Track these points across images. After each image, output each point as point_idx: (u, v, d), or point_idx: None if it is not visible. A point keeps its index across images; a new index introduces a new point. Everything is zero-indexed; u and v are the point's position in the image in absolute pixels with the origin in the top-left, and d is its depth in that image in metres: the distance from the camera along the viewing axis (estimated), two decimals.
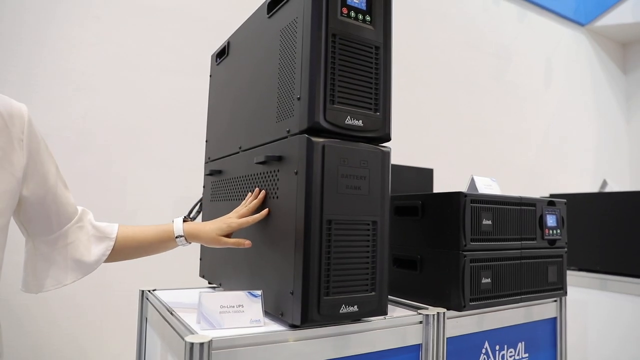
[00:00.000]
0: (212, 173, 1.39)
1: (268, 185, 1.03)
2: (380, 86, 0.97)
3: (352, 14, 0.95)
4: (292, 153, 0.92)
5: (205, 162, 1.50)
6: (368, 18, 0.97)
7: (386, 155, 0.98)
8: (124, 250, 1.05)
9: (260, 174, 1.07)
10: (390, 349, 1.00)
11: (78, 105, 2.00)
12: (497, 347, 1.25)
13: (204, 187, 1.49)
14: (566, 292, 1.40)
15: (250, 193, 1.09)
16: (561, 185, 3.95)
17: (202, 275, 1.46)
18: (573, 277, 2.11)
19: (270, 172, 1.02)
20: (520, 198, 1.28)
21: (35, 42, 1.93)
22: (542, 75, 4.10)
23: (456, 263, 1.12)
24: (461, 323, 1.16)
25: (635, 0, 4.37)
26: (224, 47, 1.40)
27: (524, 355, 1.32)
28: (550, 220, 1.35)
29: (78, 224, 1.00)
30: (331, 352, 0.91)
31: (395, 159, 1.16)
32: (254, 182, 1.10)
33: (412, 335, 1.05)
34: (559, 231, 1.37)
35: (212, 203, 1.40)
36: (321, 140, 0.89)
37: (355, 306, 0.92)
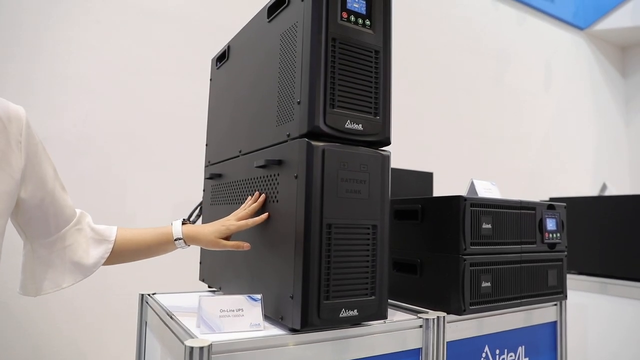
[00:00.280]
0: (212, 177, 1.40)
1: (268, 189, 1.03)
2: (380, 90, 0.98)
3: (352, 18, 0.95)
4: (292, 157, 0.92)
5: (205, 166, 1.50)
6: (368, 22, 0.97)
7: (386, 159, 0.98)
8: (122, 253, 1.04)
9: (260, 177, 1.07)
10: (390, 353, 1.00)
11: (78, 109, 2.00)
12: (497, 351, 1.25)
13: (203, 190, 1.49)
14: (566, 296, 1.40)
15: (250, 197, 1.09)
16: (561, 189, 3.95)
17: (202, 279, 1.46)
18: (573, 281, 2.11)
19: (270, 176, 1.02)
20: (520, 202, 1.28)
21: (35, 46, 1.93)
22: (541, 79, 4.11)
23: (456, 267, 1.12)
24: (461, 327, 1.15)
25: (634, 4, 4.38)
26: (224, 51, 1.41)
27: None
28: (550, 224, 1.35)
29: (76, 227, 1.00)
30: (331, 356, 0.91)
31: (395, 163, 1.16)
32: (254, 186, 1.10)
33: (412, 340, 1.04)
34: (558, 235, 1.37)
35: (212, 207, 1.40)
36: (321, 144, 0.89)
37: (355, 310, 0.92)
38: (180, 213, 1.51)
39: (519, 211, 1.27)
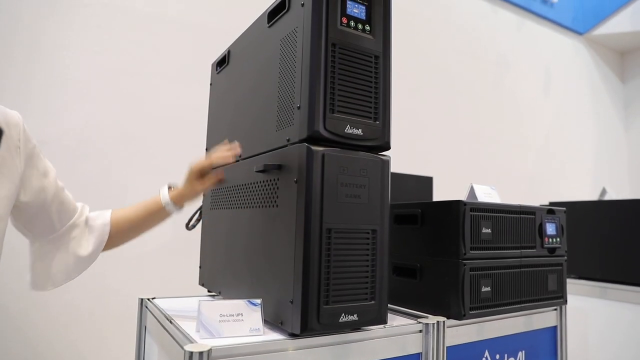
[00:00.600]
0: None
1: (268, 193, 1.03)
2: (379, 95, 0.98)
3: (352, 23, 0.95)
4: (292, 162, 0.92)
5: None
6: (368, 27, 0.97)
7: (386, 163, 0.98)
8: (119, 233, 1.09)
9: (260, 182, 1.07)
10: (390, 358, 1.00)
11: (78, 113, 2.00)
12: (498, 356, 1.24)
13: (203, 195, 1.49)
14: (566, 301, 1.40)
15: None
16: (560, 193, 3.96)
17: (202, 284, 1.46)
18: (573, 285, 2.10)
19: (270, 180, 1.02)
20: (520, 206, 1.28)
21: (35, 50, 1.93)
22: (541, 84, 4.12)
23: (456, 272, 1.12)
24: (461, 332, 1.15)
25: (633, 9, 4.40)
26: (225, 56, 1.41)
27: None
28: (550, 229, 1.35)
29: (79, 219, 1.04)
30: None
31: (395, 167, 1.16)
32: (253, 191, 1.10)
33: (412, 344, 1.04)
34: (558, 239, 1.37)
35: (211, 211, 1.40)
36: (321, 149, 0.89)
37: (355, 315, 0.92)
38: (180, 216, 1.51)
39: (518, 216, 1.27)
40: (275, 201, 0.99)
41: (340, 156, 0.91)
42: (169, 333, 1.00)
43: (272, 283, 0.97)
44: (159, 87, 2.18)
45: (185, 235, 1.48)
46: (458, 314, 1.11)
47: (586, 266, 2.15)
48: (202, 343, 0.81)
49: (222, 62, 1.44)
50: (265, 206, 1.03)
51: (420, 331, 1.06)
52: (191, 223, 1.44)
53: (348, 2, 0.95)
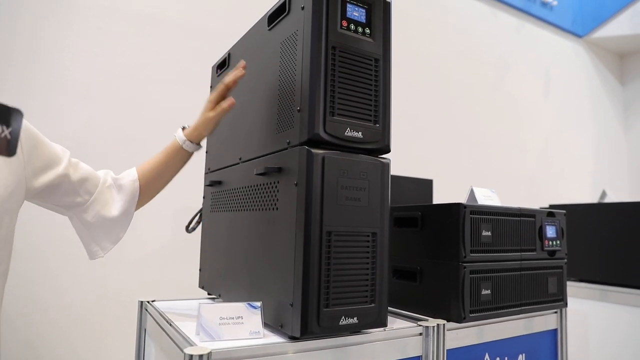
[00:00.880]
0: (212, 184, 1.40)
1: (268, 196, 1.03)
2: (379, 98, 0.98)
3: (352, 26, 0.96)
4: (292, 164, 0.93)
5: (205, 173, 1.51)
6: (368, 31, 0.98)
7: (386, 166, 0.98)
8: (149, 184, 1.13)
9: (260, 185, 1.07)
10: None
11: (78, 115, 2.00)
12: (498, 359, 1.24)
13: (203, 197, 1.50)
14: (566, 304, 1.40)
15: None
16: (560, 196, 3.96)
17: (202, 286, 1.46)
18: (573, 288, 2.10)
19: (270, 183, 1.02)
20: (520, 209, 1.28)
21: (35, 52, 1.94)
22: (540, 86, 4.13)
23: (456, 274, 1.12)
24: (461, 335, 1.15)
25: (632, 12, 4.41)
26: (225, 59, 1.41)
27: None
28: (550, 231, 1.35)
29: (106, 185, 1.08)
30: None
31: (395, 170, 1.16)
32: (253, 193, 1.11)
33: (412, 347, 1.04)
34: (558, 242, 1.37)
35: (212, 214, 1.40)
36: (321, 151, 0.90)
37: (355, 318, 0.91)
38: (180, 219, 1.51)
39: (518, 218, 1.27)
40: (275, 204, 0.99)
41: (340, 159, 0.91)
42: (169, 336, 0.99)
43: (272, 286, 0.97)
44: (159, 89, 2.19)
45: (185, 237, 1.48)
46: (458, 317, 1.11)
47: (586, 269, 2.15)
48: (202, 346, 0.81)
49: (222, 65, 1.44)
50: (265, 209, 1.03)
51: (421, 334, 1.06)
52: (191, 225, 1.44)
53: (348, 5, 0.95)
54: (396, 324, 1.08)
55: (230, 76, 1.10)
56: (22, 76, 1.91)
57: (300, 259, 0.87)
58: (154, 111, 2.16)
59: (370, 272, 0.94)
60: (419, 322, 1.08)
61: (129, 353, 1.40)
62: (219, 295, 1.31)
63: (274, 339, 0.92)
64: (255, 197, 1.09)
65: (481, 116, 3.57)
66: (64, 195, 1.00)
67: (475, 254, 1.15)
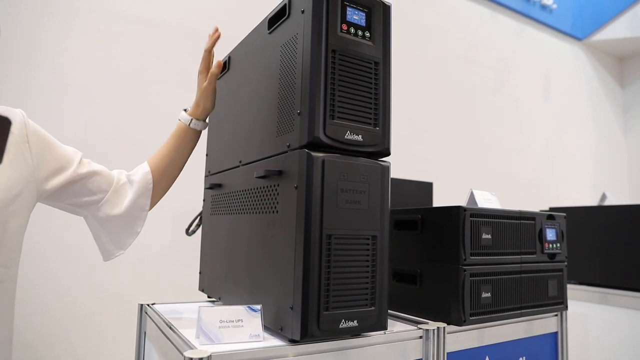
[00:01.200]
0: (212, 187, 1.40)
1: (268, 199, 1.03)
2: (379, 101, 0.98)
3: (352, 30, 0.96)
4: (292, 168, 0.93)
5: (205, 176, 1.51)
6: (367, 34, 0.98)
7: (386, 169, 0.98)
8: (164, 173, 1.13)
9: (260, 188, 1.07)
10: None
11: (79, 118, 2.01)
12: None
13: (203, 200, 1.50)
14: (567, 307, 1.40)
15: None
16: (560, 199, 3.96)
17: (202, 289, 1.46)
18: (573, 291, 2.10)
19: (270, 186, 1.02)
20: (520, 212, 1.28)
21: (35, 55, 1.94)
22: (540, 89, 4.13)
23: (456, 277, 1.12)
24: (461, 338, 1.15)
25: (631, 15, 4.42)
26: (225, 62, 1.42)
27: None
28: (550, 234, 1.35)
29: (119, 183, 1.08)
30: None
31: (395, 173, 1.16)
32: (253, 196, 1.11)
33: (412, 351, 1.04)
34: (558, 245, 1.37)
35: (212, 216, 1.40)
36: (321, 155, 0.90)
37: (355, 321, 0.91)
38: (180, 222, 1.51)
39: (518, 221, 1.27)
40: (275, 207, 0.99)
41: (340, 162, 0.92)
42: (169, 339, 0.99)
43: (272, 289, 0.97)
44: (159, 92, 2.19)
45: (185, 240, 1.48)
46: (458, 320, 1.11)
47: (586, 271, 2.15)
48: (202, 349, 0.81)
49: (222, 68, 1.44)
50: (266, 212, 1.03)
51: (421, 337, 1.06)
52: (191, 229, 1.44)
53: (348, 8, 0.96)
54: (396, 327, 1.08)
55: (208, 42, 1.15)
56: (22, 78, 1.91)
57: (301, 261, 0.87)
58: (153, 114, 2.16)
59: (371, 275, 0.94)
60: (419, 325, 1.08)
61: (129, 356, 1.40)
62: (219, 298, 1.31)
63: (274, 342, 0.92)
64: (255, 200, 1.09)
65: (481, 119, 3.57)
66: (78, 195, 1.01)
67: (475, 257, 1.15)
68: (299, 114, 0.93)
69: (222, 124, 1.41)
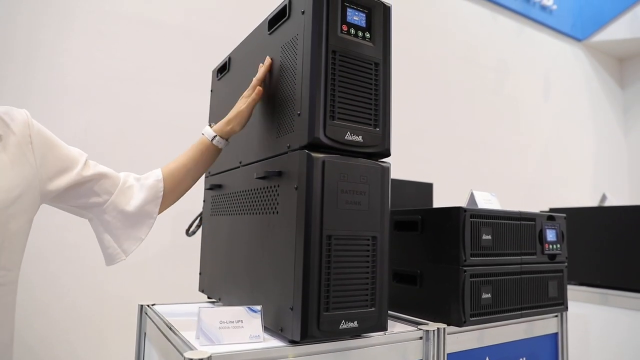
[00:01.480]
0: (212, 187, 1.40)
1: (268, 200, 1.03)
2: (379, 102, 0.98)
3: (352, 31, 0.96)
4: (292, 168, 0.93)
5: (206, 177, 1.51)
6: (368, 35, 0.98)
7: (386, 170, 0.98)
8: (178, 183, 1.10)
9: (261, 189, 1.07)
10: None
11: (79, 119, 2.01)
12: None
13: (204, 201, 1.50)
14: (567, 307, 1.40)
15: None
16: (560, 199, 3.96)
17: (202, 290, 1.46)
18: (573, 292, 2.10)
19: (271, 187, 1.02)
20: (520, 213, 1.28)
21: (35, 56, 1.94)
22: (540, 90, 4.13)
23: (456, 278, 1.12)
24: (461, 339, 1.15)
25: (631, 16, 4.42)
26: (225, 63, 1.42)
27: None
28: (550, 235, 1.35)
29: (126, 185, 1.06)
30: None
31: (395, 174, 1.16)
32: (254, 197, 1.11)
33: (412, 351, 1.04)
34: (558, 246, 1.37)
35: (212, 217, 1.40)
36: (321, 155, 0.90)
37: (355, 322, 0.91)
38: (181, 223, 1.51)
39: (518, 222, 1.27)
40: (275, 208, 0.99)
41: (340, 163, 0.92)
42: (169, 340, 0.99)
43: (272, 290, 0.97)
44: (159, 93, 2.19)
45: (185, 241, 1.48)
46: (458, 321, 1.11)
47: (586, 272, 2.15)
48: (202, 350, 0.81)
49: (222, 69, 1.45)
50: (266, 213, 1.03)
51: (421, 338, 1.06)
52: (191, 229, 1.44)
53: (348, 9, 0.96)
54: (396, 328, 1.08)
55: (260, 71, 1.10)
56: (22, 78, 1.91)
57: (301, 262, 0.87)
58: (153, 114, 2.16)
59: (371, 276, 0.94)
60: (419, 326, 1.08)
61: (129, 356, 1.40)
62: (219, 299, 1.31)
63: (274, 342, 0.92)
64: (255, 201, 1.09)
65: (481, 119, 3.57)
66: (83, 197, 0.99)
67: (475, 258, 1.15)
68: (299, 114, 0.93)
69: None
